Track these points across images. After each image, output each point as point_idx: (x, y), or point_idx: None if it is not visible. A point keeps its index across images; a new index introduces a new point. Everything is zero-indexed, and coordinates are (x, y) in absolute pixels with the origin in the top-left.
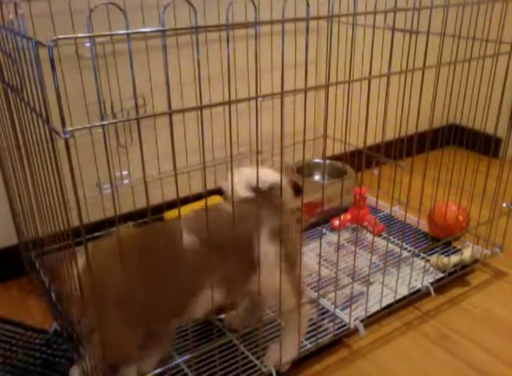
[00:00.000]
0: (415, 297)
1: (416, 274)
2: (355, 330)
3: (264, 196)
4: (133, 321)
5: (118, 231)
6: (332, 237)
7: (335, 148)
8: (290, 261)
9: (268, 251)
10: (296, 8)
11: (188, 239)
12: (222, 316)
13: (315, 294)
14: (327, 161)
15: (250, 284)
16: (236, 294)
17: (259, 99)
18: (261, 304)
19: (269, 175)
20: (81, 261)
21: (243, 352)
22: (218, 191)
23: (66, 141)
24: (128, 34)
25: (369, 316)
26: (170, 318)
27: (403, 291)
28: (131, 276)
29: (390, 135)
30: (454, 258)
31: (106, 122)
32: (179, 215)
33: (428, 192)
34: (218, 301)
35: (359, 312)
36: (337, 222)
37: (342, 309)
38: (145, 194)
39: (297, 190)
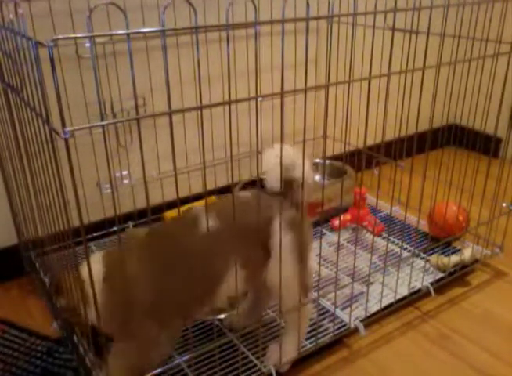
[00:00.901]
0: (415, 297)
1: (416, 274)
2: (355, 330)
3: (289, 186)
4: (164, 316)
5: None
6: (332, 237)
7: (335, 148)
8: (302, 251)
9: (282, 238)
10: (296, 8)
11: (213, 224)
12: (222, 316)
13: (315, 294)
14: (327, 161)
15: (266, 271)
16: (254, 279)
17: (259, 99)
18: (262, 303)
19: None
20: (96, 269)
21: (243, 352)
22: (219, 191)
23: (66, 141)
24: (128, 34)
25: (369, 316)
26: (199, 307)
27: (403, 291)
28: (160, 270)
29: (390, 135)
30: (454, 258)
31: (106, 122)
32: (179, 214)
33: (428, 192)
34: (239, 287)
35: (359, 312)
36: (337, 222)
37: (342, 309)
38: (145, 194)
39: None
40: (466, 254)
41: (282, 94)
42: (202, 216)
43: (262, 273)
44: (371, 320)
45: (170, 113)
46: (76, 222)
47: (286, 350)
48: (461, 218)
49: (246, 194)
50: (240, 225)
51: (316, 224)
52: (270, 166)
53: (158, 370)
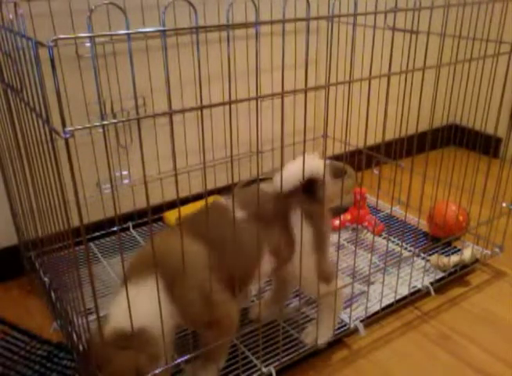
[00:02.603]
0: (415, 297)
1: (416, 274)
2: (355, 330)
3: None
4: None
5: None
6: (332, 237)
7: (335, 148)
8: (319, 242)
9: (302, 229)
10: (296, 8)
11: (241, 214)
12: (250, 303)
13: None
14: (327, 161)
15: (291, 259)
16: (282, 265)
17: (259, 99)
18: (285, 290)
19: (314, 169)
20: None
21: (243, 352)
22: (219, 191)
23: (67, 141)
24: (128, 34)
25: (369, 316)
26: (245, 284)
27: (403, 291)
28: (209, 250)
29: (390, 135)
30: (454, 258)
31: (106, 122)
32: (179, 214)
33: (428, 192)
34: (270, 270)
35: (359, 312)
36: (337, 222)
37: (342, 309)
38: (145, 194)
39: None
40: (466, 254)
41: (282, 94)
42: (229, 206)
43: (289, 259)
44: (371, 320)
45: (170, 113)
46: (76, 222)
47: (321, 331)
48: (461, 218)
49: (267, 186)
50: (266, 216)
51: None
52: (288, 175)
53: (158, 370)
